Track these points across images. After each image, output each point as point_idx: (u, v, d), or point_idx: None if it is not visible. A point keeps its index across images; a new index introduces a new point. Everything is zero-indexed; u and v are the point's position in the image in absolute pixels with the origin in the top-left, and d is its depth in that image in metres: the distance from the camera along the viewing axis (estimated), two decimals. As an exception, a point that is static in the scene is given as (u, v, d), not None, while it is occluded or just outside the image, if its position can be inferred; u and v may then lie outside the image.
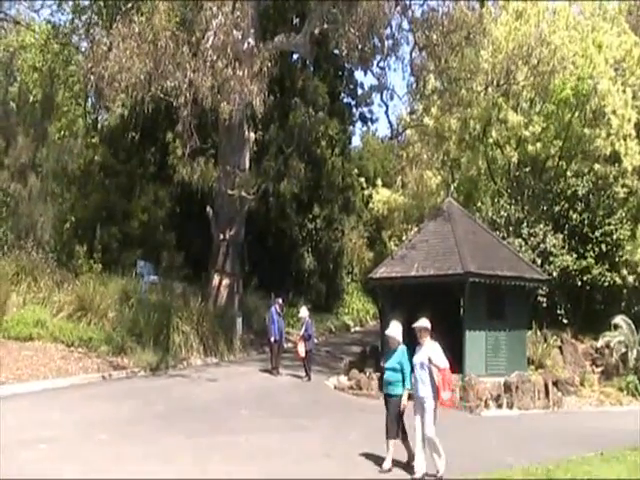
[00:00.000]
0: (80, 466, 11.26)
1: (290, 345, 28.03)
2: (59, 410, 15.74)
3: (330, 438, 15.03)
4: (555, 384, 22.31)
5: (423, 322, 12.54)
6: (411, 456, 12.57)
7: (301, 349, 23.32)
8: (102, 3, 34.01)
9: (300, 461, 12.77)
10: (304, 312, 24.18)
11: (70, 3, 35.11)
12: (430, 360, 12.09)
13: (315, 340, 25.41)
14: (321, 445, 14.22)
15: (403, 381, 12.42)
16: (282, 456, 13.06)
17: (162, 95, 23.68)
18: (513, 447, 15.04)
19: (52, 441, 12.72)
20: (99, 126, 41.66)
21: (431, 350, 12.25)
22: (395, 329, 12.71)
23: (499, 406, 20.66)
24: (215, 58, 23.13)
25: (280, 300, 24.95)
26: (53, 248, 28.69)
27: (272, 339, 23.73)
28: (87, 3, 35.45)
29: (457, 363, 21.57)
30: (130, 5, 29.07)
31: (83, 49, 35.33)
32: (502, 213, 32.31)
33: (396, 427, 12.48)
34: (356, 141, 59.72)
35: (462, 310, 23.07)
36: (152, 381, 20.79)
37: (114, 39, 22.70)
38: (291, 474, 11.81)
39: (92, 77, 23.23)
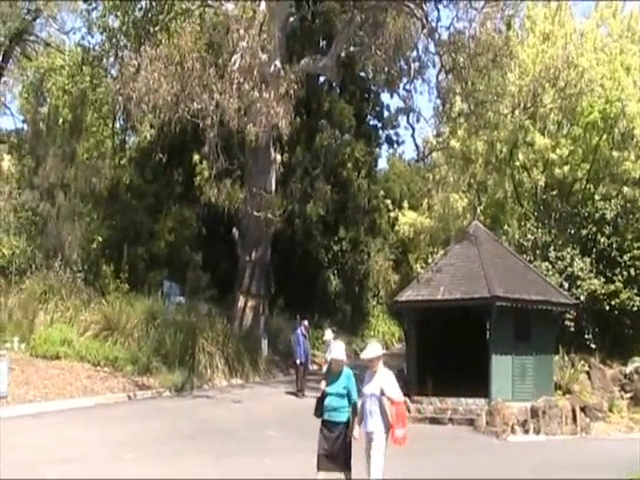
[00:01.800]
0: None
1: (315, 367, 27.92)
2: (85, 429, 15.78)
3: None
4: (583, 410, 22.09)
5: (374, 350, 10.98)
6: None
7: (326, 372, 23.19)
8: (131, 25, 34.46)
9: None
10: (329, 335, 24.05)
11: (99, 24, 35.62)
12: (383, 391, 10.56)
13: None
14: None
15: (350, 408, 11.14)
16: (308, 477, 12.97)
17: (189, 117, 23.92)
18: (539, 474, 14.80)
19: (79, 460, 12.75)
20: (127, 147, 42.00)
21: (384, 380, 10.68)
22: (339, 350, 11.43)
23: (526, 431, 20.47)
24: (242, 80, 23.30)
25: (306, 322, 24.94)
26: (80, 267, 28.78)
27: (298, 361, 23.69)
28: (117, 25, 35.97)
29: (483, 387, 21.53)
30: (158, 27, 29.46)
31: (112, 71, 35.86)
32: (529, 236, 32.13)
33: (343, 457, 11.08)
34: (382, 163, 59.84)
35: (488, 334, 22.91)
36: (177, 401, 20.78)
37: (142, 61, 22.95)
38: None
39: (120, 98, 23.52)
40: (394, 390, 10.57)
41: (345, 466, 11.06)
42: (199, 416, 18.73)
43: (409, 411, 21.69)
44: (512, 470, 15.32)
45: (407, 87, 30.88)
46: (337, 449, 11.04)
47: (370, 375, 10.80)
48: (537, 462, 16.65)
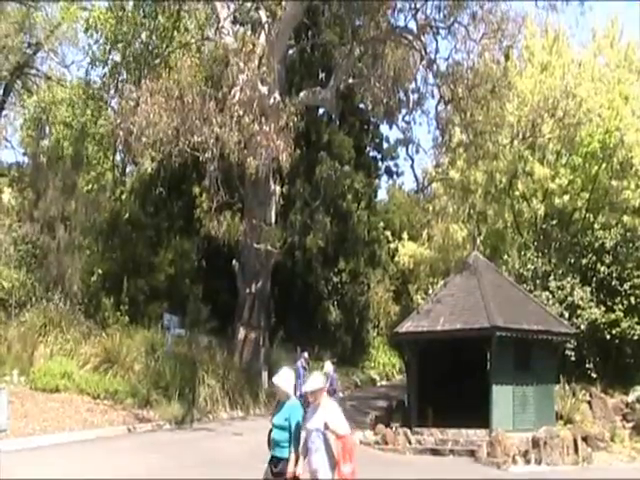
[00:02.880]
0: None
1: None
2: (86, 462, 15.72)
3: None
4: (584, 439, 21.94)
5: (315, 382, 10.20)
6: None
7: (326, 404, 23.08)
8: (132, 58, 34.83)
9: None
10: (328, 367, 24.07)
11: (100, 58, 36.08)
12: (327, 425, 9.68)
13: (340, 394, 25.19)
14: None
15: (291, 442, 10.12)
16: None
17: (189, 150, 24.05)
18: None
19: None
20: (127, 180, 42.17)
21: (328, 413, 9.83)
22: (283, 377, 10.47)
23: (527, 462, 20.32)
24: (242, 113, 23.50)
25: (306, 354, 24.95)
26: (80, 300, 28.83)
27: (298, 394, 23.54)
28: (117, 59, 36.37)
29: (484, 418, 21.45)
30: (158, 60, 29.73)
31: (113, 104, 36.17)
32: (529, 266, 32.13)
33: None
34: (382, 194, 59.97)
35: (489, 364, 22.86)
36: (177, 434, 20.71)
37: (142, 94, 23.15)
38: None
39: (121, 132, 23.69)
40: (339, 423, 9.79)
41: None
42: (200, 449, 18.66)
43: (410, 442, 21.74)
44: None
45: (406, 118, 31.14)
46: None
47: (313, 409, 10.03)
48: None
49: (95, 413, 20.65)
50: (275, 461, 10.15)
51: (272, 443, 10.27)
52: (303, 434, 9.87)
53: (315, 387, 10.07)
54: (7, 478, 11.65)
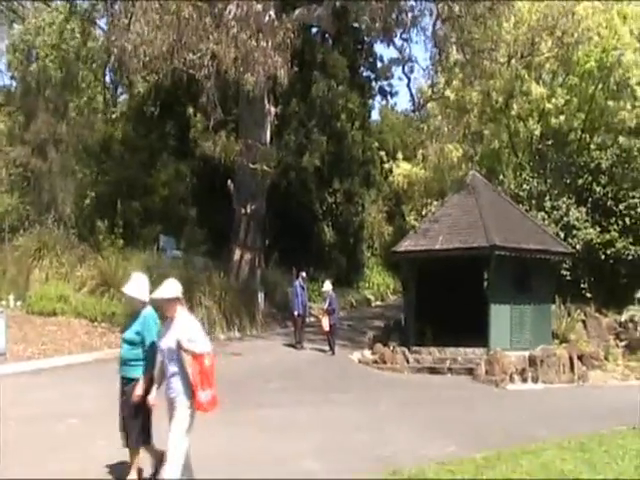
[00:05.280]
0: (113, 440, 11.21)
1: (312, 319, 27.96)
2: (85, 385, 15.71)
3: (360, 411, 14.99)
4: (580, 358, 22.10)
5: (168, 289, 8.34)
6: (158, 461, 8.80)
7: (325, 323, 23.21)
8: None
9: (334, 433, 12.71)
10: (328, 286, 24.09)
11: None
12: (179, 343, 8.12)
13: (339, 314, 25.28)
14: (352, 418, 14.19)
15: (145, 360, 8.73)
16: (317, 429, 13.02)
17: (184, 68, 23.53)
18: (543, 421, 14.81)
19: (82, 416, 12.68)
20: (118, 101, 41.56)
21: (182, 328, 8.21)
22: (137, 284, 8.80)
23: (524, 380, 20.47)
24: (239, 29, 22.93)
25: (304, 274, 24.85)
26: (74, 223, 28.70)
27: (296, 313, 23.65)
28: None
29: (482, 337, 21.57)
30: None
31: (102, 24, 35.32)
32: (525, 186, 32.05)
33: (136, 430, 8.76)
34: (374, 115, 59.36)
35: (487, 283, 22.90)
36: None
37: (136, 11, 22.53)
38: (328, 445, 11.78)
39: (115, 50, 23.12)
40: (195, 339, 8.15)
41: (133, 441, 8.80)
42: (200, 369, 18.68)
43: (407, 361, 21.87)
44: (514, 416, 15.44)
45: (403, 36, 30.54)
46: (127, 418, 8.83)
47: (168, 324, 8.37)
48: (536, 408, 16.78)
49: (93, 336, 20.63)
50: (125, 382, 8.88)
51: (120, 361, 8.96)
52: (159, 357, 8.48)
53: (166, 294, 8.30)
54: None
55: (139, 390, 8.56)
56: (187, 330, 8.16)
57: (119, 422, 8.95)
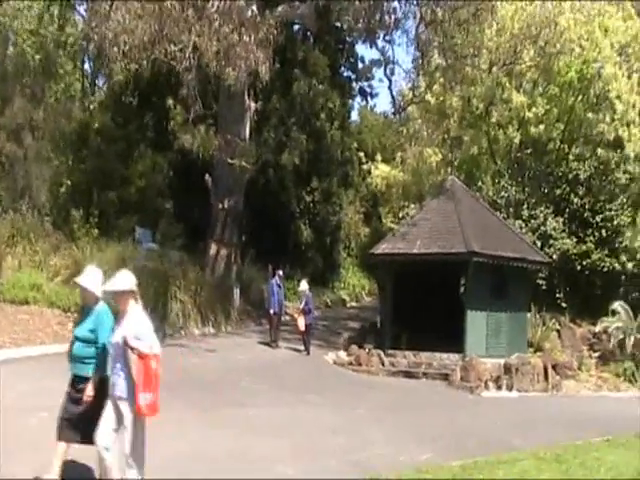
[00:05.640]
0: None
1: (287, 318, 27.79)
2: (57, 377, 15.31)
3: (336, 413, 14.87)
4: (554, 367, 22.22)
5: (122, 281, 7.98)
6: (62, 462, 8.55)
7: (301, 323, 23.05)
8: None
9: (310, 436, 12.60)
10: (304, 285, 23.96)
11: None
12: (126, 340, 7.75)
13: (315, 313, 25.14)
14: (328, 420, 14.10)
15: (97, 359, 8.32)
16: (292, 430, 12.87)
17: (165, 59, 23.24)
18: (517, 429, 14.86)
19: (53, 409, 12.36)
20: (96, 90, 41.13)
21: (132, 325, 7.85)
22: (91, 277, 8.35)
23: (499, 387, 20.53)
24: (221, 23, 22.70)
25: (280, 272, 24.70)
26: (48, 211, 28.32)
27: (272, 311, 23.47)
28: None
29: (457, 343, 21.56)
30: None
31: (82, 10, 34.86)
32: (503, 194, 32.02)
33: (92, 424, 8.21)
34: (353, 116, 59.34)
35: (463, 289, 22.88)
36: (149, 350, 20.48)
37: (117, -1, 22.24)
38: (304, 448, 11.66)
39: (96, 37, 22.79)
40: (143, 337, 7.77)
41: (89, 437, 8.29)
42: (174, 366, 18.27)
43: (383, 364, 21.79)
44: (488, 424, 15.42)
45: (386, 38, 30.46)
46: (79, 414, 8.43)
47: (119, 319, 8.05)
48: (510, 416, 16.78)
49: (66, 326, 20.18)
50: (76, 381, 8.53)
51: (72, 359, 8.56)
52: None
53: (120, 287, 7.94)
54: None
55: (90, 390, 8.24)
56: (136, 327, 7.82)
57: (58, 425, 8.58)
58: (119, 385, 7.88)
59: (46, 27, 36.04)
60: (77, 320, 8.71)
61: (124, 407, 7.85)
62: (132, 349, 7.70)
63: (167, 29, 22.21)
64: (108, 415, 8.04)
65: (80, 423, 8.33)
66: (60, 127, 32.96)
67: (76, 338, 8.46)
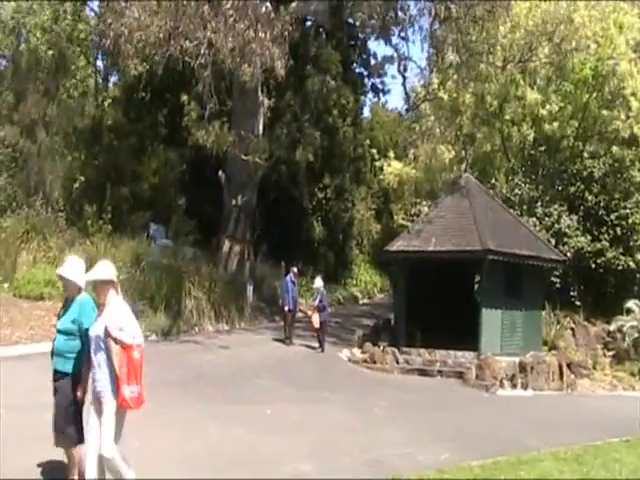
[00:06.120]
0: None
1: (301, 315, 27.72)
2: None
3: (351, 411, 14.83)
4: (568, 366, 22.18)
5: (102, 271, 7.74)
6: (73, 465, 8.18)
7: (315, 320, 23.00)
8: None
9: (325, 434, 12.52)
10: (319, 282, 23.92)
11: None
12: (107, 331, 7.47)
13: (329, 310, 25.08)
14: (343, 418, 14.05)
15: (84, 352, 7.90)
16: (307, 428, 12.84)
17: (180, 55, 23.20)
18: (534, 429, 14.80)
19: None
20: (109, 85, 41.12)
21: (114, 316, 7.58)
22: (73, 267, 8.00)
23: (514, 386, 20.51)
24: (236, 19, 22.65)
25: (295, 269, 24.62)
26: (62, 207, 28.26)
27: (286, 308, 23.42)
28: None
29: (472, 341, 21.47)
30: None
31: (94, 6, 34.84)
32: (516, 191, 31.96)
33: (73, 427, 7.96)
34: (365, 112, 59.18)
35: (478, 287, 22.77)
36: (164, 346, 20.37)
37: (132, -5, 22.20)
38: (319, 446, 11.61)
39: (111, 33, 22.73)
40: (125, 328, 7.54)
41: (66, 440, 7.98)
42: (188, 362, 18.40)
43: (397, 362, 21.72)
44: (505, 424, 15.35)
45: (400, 35, 30.32)
46: (58, 414, 8.01)
47: (100, 311, 7.80)
48: (526, 416, 16.71)
49: (81, 322, 20.29)
50: (58, 377, 8.06)
51: (54, 353, 8.12)
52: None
53: (101, 277, 7.70)
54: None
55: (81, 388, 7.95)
56: (118, 317, 7.55)
57: (53, 421, 8.17)
58: (100, 380, 7.60)
59: (59, 23, 36.01)
60: (60, 313, 8.33)
61: (107, 404, 7.57)
62: (115, 340, 7.43)
63: (182, 26, 22.17)
64: (94, 423, 7.71)
65: (64, 424, 7.95)
66: (73, 123, 32.93)
67: (58, 331, 8.11)
